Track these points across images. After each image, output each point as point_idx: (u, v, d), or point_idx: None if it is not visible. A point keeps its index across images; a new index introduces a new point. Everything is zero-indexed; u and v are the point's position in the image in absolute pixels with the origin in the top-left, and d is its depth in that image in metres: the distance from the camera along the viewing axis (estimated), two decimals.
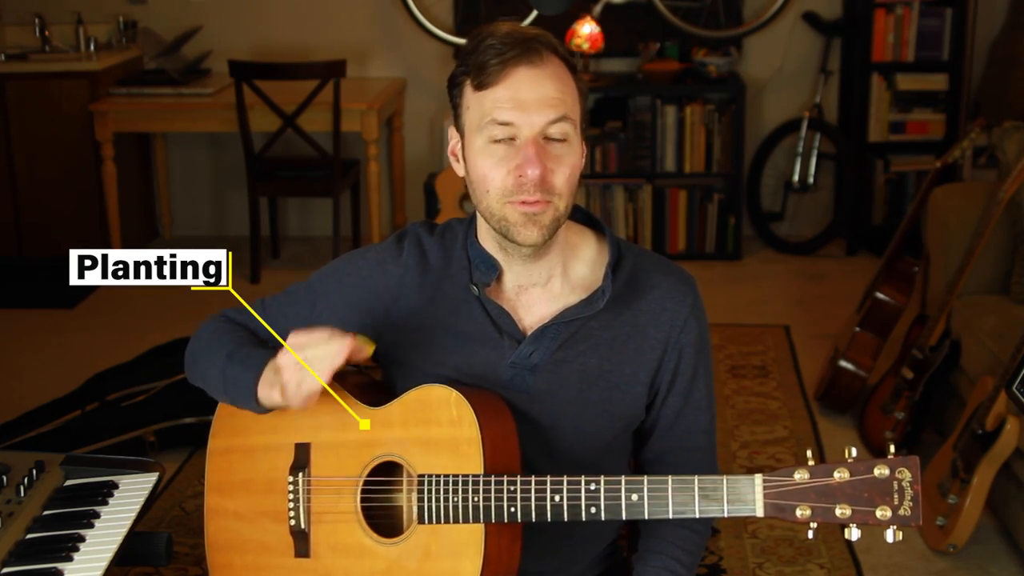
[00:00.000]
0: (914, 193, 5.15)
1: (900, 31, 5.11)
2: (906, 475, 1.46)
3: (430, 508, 1.61)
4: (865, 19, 5.12)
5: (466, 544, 1.60)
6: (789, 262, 5.31)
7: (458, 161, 1.72)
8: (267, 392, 1.67)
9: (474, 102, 1.64)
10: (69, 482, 1.93)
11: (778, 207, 5.53)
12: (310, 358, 1.59)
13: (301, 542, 1.72)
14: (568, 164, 1.63)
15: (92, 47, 5.31)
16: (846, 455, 1.50)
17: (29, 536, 1.76)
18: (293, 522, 1.72)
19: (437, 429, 1.64)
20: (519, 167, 1.61)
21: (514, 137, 1.61)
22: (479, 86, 1.62)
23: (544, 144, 1.61)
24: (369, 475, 1.68)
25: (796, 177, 5.37)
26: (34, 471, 1.89)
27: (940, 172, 3.75)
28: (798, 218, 5.54)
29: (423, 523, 1.62)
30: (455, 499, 1.60)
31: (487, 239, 1.73)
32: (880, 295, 3.75)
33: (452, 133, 1.72)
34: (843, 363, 3.75)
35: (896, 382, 3.49)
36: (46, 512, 1.83)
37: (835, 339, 3.96)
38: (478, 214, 1.73)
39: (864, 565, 3.00)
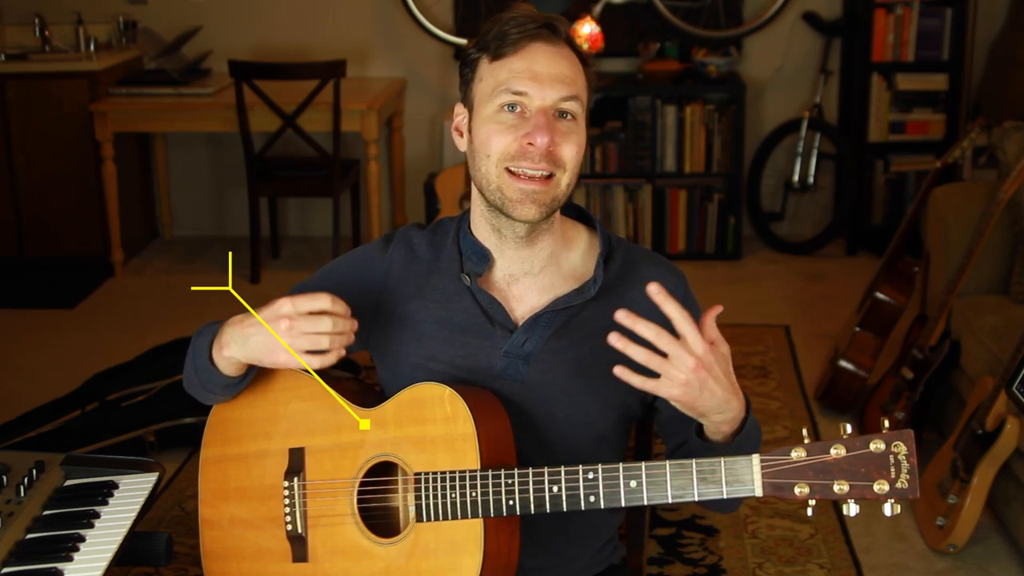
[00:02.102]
0: (914, 193, 5.15)
1: (900, 31, 5.11)
2: (902, 448, 1.47)
3: (428, 506, 1.61)
4: (865, 19, 5.12)
5: (466, 540, 1.60)
6: (789, 262, 5.31)
7: (461, 136, 1.73)
8: (219, 348, 1.67)
9: (489, 73, 1.66)
10: (69, 482, 1.93)
11: (778, 207, 5.53)
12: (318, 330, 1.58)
13: (299, 547, 1.72)
14: (575, 141, 1.66)
15: (92, 47, 5.30)
16: (841, 432, 1.51)
17: (29, 536, 1.76)
18: (290, 527, 1.72)
19: (432, 427, 1.64)
20: (528, 135, 1.63)
21: (524, 110, 1.64)
22: (497, 56, 1.65)
23: (553, 118, 1.64)
24: (365, 476, 1.68)
25: (796, 177, 5.37)
26: (34, 471, 1.89)
27: (940, 172, 3.75)
28: (798, 218, 5.54)
29: (421, 521, 1.62)
30: (453, 495, 1.60)
31: (481, 224, 1.74)
32: (880, 295, 3.74)
33: (459, 109, 1.73)
34: (843, 363, 3.75)
35: (896, 382, 3.49)
36: (46, 512, 1.83)
37: (835, 339, 3.96)
38: (473, 196, 1.74)
39: (864, 565, 3.00)
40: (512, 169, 1.64)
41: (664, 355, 1.50)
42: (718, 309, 1.53)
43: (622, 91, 5.25)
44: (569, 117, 1.65)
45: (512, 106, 1.64)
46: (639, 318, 1.50)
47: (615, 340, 1.50)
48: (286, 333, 1.58)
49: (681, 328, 1.50)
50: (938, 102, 5.16)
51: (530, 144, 1.63)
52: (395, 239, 1.82)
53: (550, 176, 1.64)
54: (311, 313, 1.58)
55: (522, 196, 1.65)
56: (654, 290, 1.51)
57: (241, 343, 1.64)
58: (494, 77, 1.65)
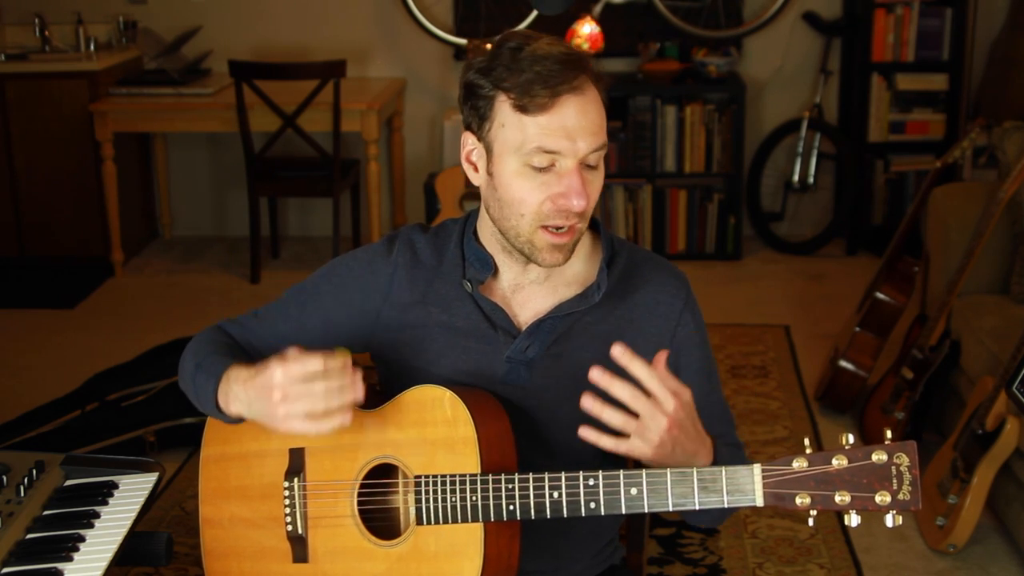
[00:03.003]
0: (914, 193, 5.15)
1: (900, 31, 5.11)
2: (904, 460, 1.47)
3: (428, 509, 1.61)
4: (865, 19, 5.11)
5: (466, 544, 1.60)
6: (789, 262, 5.31)
7: (476, 171, 1.70)
8: (226, 402, 1.67)
9: (514, 123, 1.61)
10: (69, 482, 1.93)
11: (778, 207, 5.53)
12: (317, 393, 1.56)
13: (299, 547, 1.72)
14: (597, 189, 1.66)
15: (92, 47, 5.30)
16: (843, 442, 1.51)
17: (29, 536, 1.76)
18: (290, 527, 1.72)
19: (432, 429, 1.64)
20: (563, 196, 1.61)
21: (554, 163, 1.61)
22: (523, 110, 1.60)
23: (583, 169, 1.62)
24: (365, 478, 1.68)
25: (796, 177, 5.37)
26: (34, 471, 1.89)
27: (940, 172, 3.75)
28: (798, 218, 5.54)
29: (422, 524, 1.62)
30: (453, 499, 1.60)
31: (489, 239, 1.74)
32: (880, 295, 3.74)
33: (467, 140, 1.69)
34: (843, 363, 3.75)
35: (896, 382, 3.49)
36: (46, 512, 1.83)
37: (835, 339, 3.96)
38: (483, 215, 1.73)
39: (864, 565, 3.00)
40: (545, 224, 1.64)
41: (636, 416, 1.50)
42: (663, 355, 1.52)
43: (622, 91, 5.25)
44: (595, 165, 1.64)
45: (543, 165, 1.61)
46: (615, 377, 1.49)
47: (589, 404, 1.50)
48: (280, 404, 1.56)
49: (651, 386, 1.50)
50: (938, 102, 5.16)
51: (565, 204, 1.61)
52: (398, 241, 1.80)
53: (576, 226, 1.65)
54: (306, 376, 1.56)
55: (552, 248, 1.65)
56: (618, 353, 1.50)
57: (245, 406, 1.64)
58: (521, 131, 1.60)
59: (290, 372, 1.55)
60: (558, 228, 1.63)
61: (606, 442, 1.50)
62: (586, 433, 1.50)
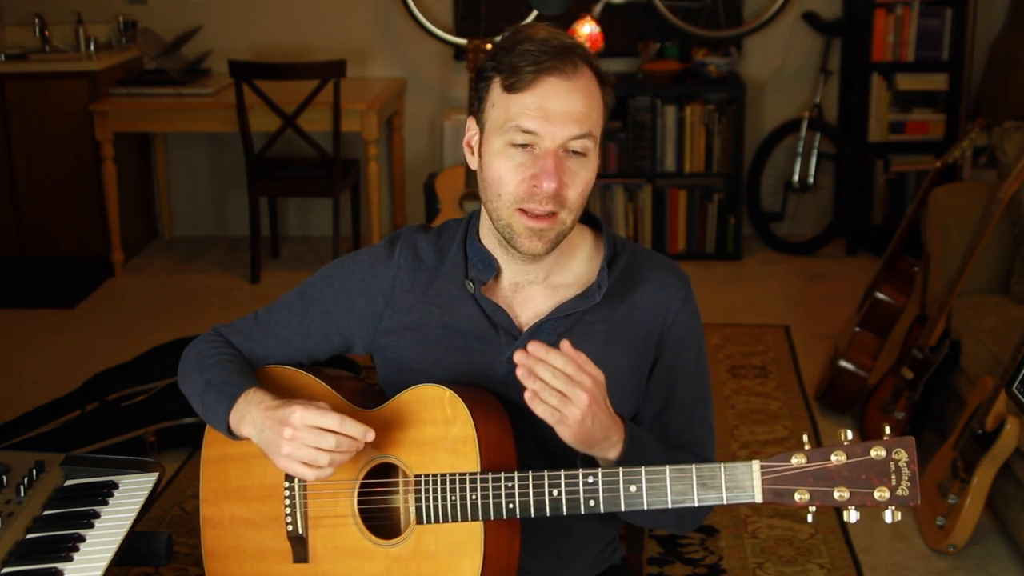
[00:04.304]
0: (914, 193, 5.15)
1: (900, 31, 5.11)
2: (903, 455, 1.47)
3: (428, 508, 1.61)
4: (865, 19, 5.11)
5: (466, 542, 1.60)
6: (789, 262, 5.31)
7: (472, 154, 1.72)
8: (238, 422, 1.69)
9: (501, 102, 1.63)
10: (69, 482, 1.93)
11: (778, 207, 5.53)
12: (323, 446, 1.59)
13: (299, 547, 1.72)
14: (582, 180, 1.64)
15: (92, 47, 5.30)
16: (842, 438, 1.51)
17: (29, 536, 1.76)
18: (290, 527, 1.72)
19: (432, 429, 1.64)
20: (535, 177, 1.61)
21: (534, 145, 1.62)
22: (509, 88, 1.62)
23: (563, 157, 1.62)
24: (365, 477, 1.68)
25: (796, 177, 5.37)
26: (34, 471, 1.89)
27: (940, 172, 3.75)
28: (798, 218, 5.54)
29: (422, 523, 1.62)
30: (453, 498, 1.60)
31: (488, 236, 1.74)
32: (880, 295, 3.74)
33: (471, 124, 1.71)
34: (843, 363, 3.75)
35: (896, 382, 3.49)
36: (46, 512, 1.83)
37: (835, 339, 3.96)
38: (483, 212, 1.73)
39: (864, 565, 3.00)
40: (522, 207, 1.64)
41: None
42: (566, 342, 1.54)
43: (622, 91, 5.24)
44: (580, 152, 1.63)
45: (522, 143, 1.62)
46: (538, 359, 1.51)
47: (522, 375, 1.52)
48: (288, 441, 1.59)
49: (568, 371, 1.52)
50: (938, 102, 5.16)
51: (536, 186, 1.62)
52: (399, 244, 1.80)
53: (554, 213, 1.64)
54: (320, 428, 1.58)
55: (529, 233, 1.64)
56: (532, 348, 1.52)
57: (257, 431, 1.66)
58: (506, 109, 1.62)
59: (308, 417, 1.58)
60: (535, 211, 1.63)
61: (543, 410, 1.53)
62: (528, 397, 1.53)
